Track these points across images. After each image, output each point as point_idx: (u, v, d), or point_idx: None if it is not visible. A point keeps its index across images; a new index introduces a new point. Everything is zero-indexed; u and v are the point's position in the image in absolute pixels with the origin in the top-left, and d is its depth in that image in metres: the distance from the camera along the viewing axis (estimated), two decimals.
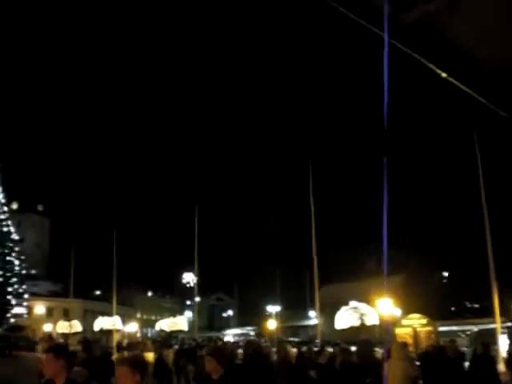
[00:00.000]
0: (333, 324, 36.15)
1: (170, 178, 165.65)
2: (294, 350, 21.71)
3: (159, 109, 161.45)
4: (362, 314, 33.87)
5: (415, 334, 41.53)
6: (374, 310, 33.72)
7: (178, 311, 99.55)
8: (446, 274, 68.89)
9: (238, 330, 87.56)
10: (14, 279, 41.21)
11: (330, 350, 17.64)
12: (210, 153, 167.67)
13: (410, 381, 9.84)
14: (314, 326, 48.99)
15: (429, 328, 41.90)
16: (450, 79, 2.90)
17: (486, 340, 16.91)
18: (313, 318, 60.78)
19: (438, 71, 2.85)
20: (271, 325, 58.07)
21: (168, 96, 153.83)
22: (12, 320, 41.01)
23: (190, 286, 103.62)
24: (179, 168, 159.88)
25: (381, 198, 2.79)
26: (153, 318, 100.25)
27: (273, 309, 64.39)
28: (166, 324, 56.21)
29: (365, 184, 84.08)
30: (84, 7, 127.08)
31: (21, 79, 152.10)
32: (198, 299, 44.64)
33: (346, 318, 34.61)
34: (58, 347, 5.60)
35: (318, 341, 30.51)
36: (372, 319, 33.44)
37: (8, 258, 41.04)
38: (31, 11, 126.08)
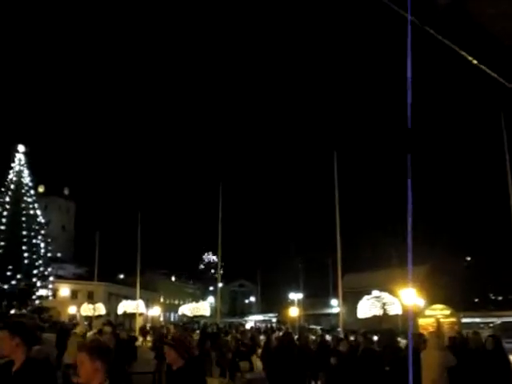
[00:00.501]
0: (355, 313, 36.10)
1: (194, 163, 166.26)
2: (314, 337, 21.76)
3: (185, 90, 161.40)
4: (384, 304, 33.78)
5: (438, 325, 41.29)
6: (397, 299, 33.57)
7: (200, 297, 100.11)
8: (470, 263, 68.32)
9: (259, 317, 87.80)
10: (40, 262, 41.64)
11: (352, 338, 17.61)
12: (236, 137, 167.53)
13: (445, 370, 9.79)
14: (336, 315, 48.95)
15: (452, 319, 41.51)
16: (481, 66, 2.85)
17: (510, 333, 16.76)
18: (335, 306, 60.69)
19: (469, 58, 2.80)
20: (293, 312, 58.12)
21: (193, 76, 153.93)
22: (37, 302, 41.46)
23: (213, 272, 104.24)
24: (203, 153, 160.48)
25: (405, 187, 2.77)
26: (176, 302, 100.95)
27: (295, 296, 64.31)
28: (189, 309, 56.67)
29: (389, 172, 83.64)
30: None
31: (49, 64, 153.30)
32: (220, 285, 44.75)
33: (368, 307, 34.54)
34: (13, 324, 5.20)
35: (339, 329, 30.45)
36: (395, 309, 33.32)
37: (34, 240, 41.45)
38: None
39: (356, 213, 65.79)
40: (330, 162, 31.09)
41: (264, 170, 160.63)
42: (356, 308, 35.72)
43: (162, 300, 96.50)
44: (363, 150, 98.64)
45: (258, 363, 18.40)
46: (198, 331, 36.15)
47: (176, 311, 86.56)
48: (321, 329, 41.99)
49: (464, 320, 41.38)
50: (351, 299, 40.93)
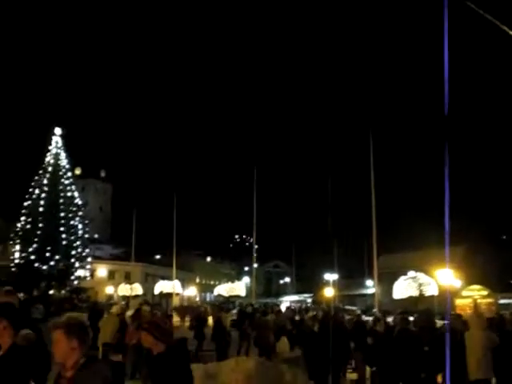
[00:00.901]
0: (390, 294, 35.95)
1: (229, 145, 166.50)
2: (350, 317, 21.70)
3: (220, 76, 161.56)
4: (420, 284, 33.54)
5: (475, 306, 40.92)
6: (433, 280, 33.29)
7: (235, 277, 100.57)
8: (507, 243, 67.34)
9: (294, 297, 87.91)
10: (78, 243, 42.19)
11: (390, 319, 17.52)
12: (270, 120, 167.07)
13: (489, 351, 9.73)
14: (372, 296, 48.78)
15: (489, 300, 41.11)
16: None
17: None
18: (370, 287, 60.52)
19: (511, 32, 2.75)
20: (328, 293, 58.06)
21: (225, 64, 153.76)
22: (75, 282, 42.10)
23: (249, 253, 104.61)
24: (238, 132, 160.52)
25: (441, 166, 2.74)
26: (211, 283, 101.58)
27: (330, 277, 64.19)
28: (225, 289, 56.98)
29: (425, 152, 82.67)
30: None
31: (85, 49, 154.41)
32: (255, 266, 44.92)
33: (404, 287, 34.34)
34: (1, 307, 4.96)
35: (375, 310, 30.36)
36: (431, 290, 33.06)
37: (72, 222, 42.01)
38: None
39: (392, 193, 65.37)
40: (366, 141, 30.86)
41: (299, 150, 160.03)
42: (391, 289, 35.53)
43: (197, 280, 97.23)
44: (400, 130, 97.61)
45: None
46: (233, 311, 36.42)
47: (212, 291, 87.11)
48: (353, 310, 42.01)
49: (502, 301, 40.94)
50: (387, 280, 40.72)
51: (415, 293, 33.12)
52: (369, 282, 64.20)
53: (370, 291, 57.66)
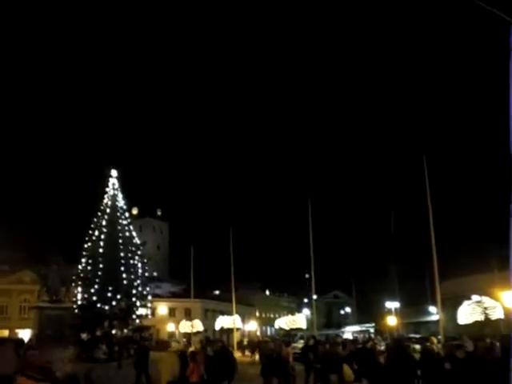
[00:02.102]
0: (455, 319, 35.07)
1: (283, 174, 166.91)
2: (417, 346, 21.24)
3: (271, 108, 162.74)
4: (485, 308, 32.63)
5: None
6: (499, 303, 32.39)
7: (295, 309, 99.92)
8: None
9: (356, 327, 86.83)
10: (138, 281, 42.71)
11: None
12: (325, 148, 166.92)
13: None
14: (436, 322, 47.71)
15: None
16: None
17: None
18: (434, 313, 59.23)
19: None
20: (391, 321, 57.14)
21: (280, 94, 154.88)
22: (137, 321, 42.54)
23: (307, 284, 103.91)
24: (292, 163, 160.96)
25: (503, 189, 2.73)
26: (271, 316, 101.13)
27: (391, 305, 63.23)
28: (285, 322, 56.46)
29: (484, 174, 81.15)
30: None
31: (138, 91, 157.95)
32: (315, 297, 44.57)
33: (468, 312, 33.46)
34: None
35: (440, 337, 29.69)
36: (497, 313, 32.14)
37: (131, 261, 42.59)
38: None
39: (452, 217, 64.25)
40: (421, 166, 30.59)
41: (355, 179, 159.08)
42: (456, 314, 34.71)
43: (257, 314, 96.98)
44: (458, 153, 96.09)
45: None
46: (294, 344, 36.09)
47: (272, 325, 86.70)
48: (417, 338, 41.14)
49: None
50: (450, 305, 39.79)
51: (480, 317, 32.24)
52: (432, 309, 62.85)
53: (434, 318, 56.40)
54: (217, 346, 20.09)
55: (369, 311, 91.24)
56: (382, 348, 26.48)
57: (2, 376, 17.87)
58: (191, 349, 20.56)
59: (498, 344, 15.41)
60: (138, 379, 20.94)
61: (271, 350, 21.13)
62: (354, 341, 32.12)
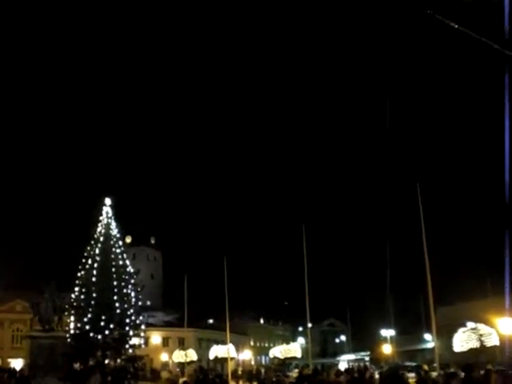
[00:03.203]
0: (450, 347, 34.89)
1: (276, 202, 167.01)
2: (412, 374, 21.15)
3: (265, 134, 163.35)
4: (481, 335, 32.49)
5: None
6: (494, 330, 32.27)
7: (290, 338, 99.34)
8: None
9: (352, 356, 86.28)
10: (131, 311, 42.38)
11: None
12: (319, 175, 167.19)
13: None
14: (431, 350, 47.43)
15: None
16: None
17: None
18: (429, 341, 58.98)
19: None
20: (386, 349, 56.86)
21: (274, 117, 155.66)
22: (130, 350, 42.15)
23: (301, 313, 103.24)
24: (286, 191, 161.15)
25: (496, 215, 2.73)
26: (266, 345, 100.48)
27: (387, 333, 62.96)
28: (280, 351, 56.04)
29: (479, 201, 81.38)
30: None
31: (130, 117, 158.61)
32: (310, 325, 44.34)
33: (464, 340, 33.30)
34: None
35: (435, 364, 29.51)
36: (492, 340, 32.00)
37: (125, 290, 42.29)
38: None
39: (446, 245, 64.27)
40: (415, 194, 30.66)
41: (349, 206, 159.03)
42: (451, 341, 34.51)
43: (252, 343, 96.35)
44: (451, 180, 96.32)
45: None
46: (289, 373, 35.88)
47: (266, 354, 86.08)
48: (413, 366, 40.85)
49: None
50: (446, 333, 39.59)
51: (476, 344, 32.06)
52: (427, 336, 62.62)
53: (430, 345, 56.15)
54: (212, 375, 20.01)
55: (364, 339, 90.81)
56: (377, 376, 26.36)
57: None
58: (184, 379, 20.36)
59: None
60: None
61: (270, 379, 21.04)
62: (351, 370, 31.92)
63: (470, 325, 34.33)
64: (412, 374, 24.29)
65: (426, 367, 21.36)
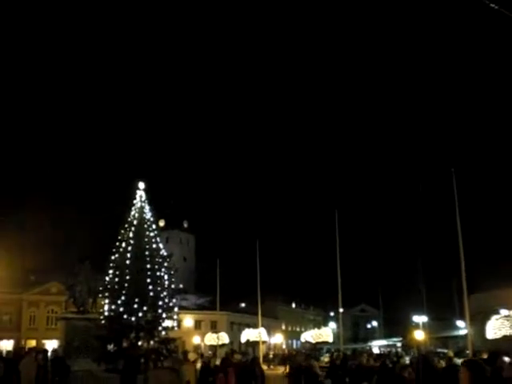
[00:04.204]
0: (483, 334, 34.61)
1: (309, 187, 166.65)
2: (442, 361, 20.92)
3: (299, 121, 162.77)
4: None
5: None
6: None
7: (321, 323, 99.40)
8: None
9: (383, 342, 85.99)
10: (164, 293, 42.69)
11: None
12: (352, 160, 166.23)
13: None
14: (464, 337, 47.04)
15: None
16: None
17: None
18: (462, 328, 58.49)
19: None
20: (418, 336, 56.46)
21: (308, 106, 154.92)
22: (163, 333, 42.52)
23: (333, 297, 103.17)
24: (319, 176, 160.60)
25: None
26: (297, 329, 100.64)
27: (419, 319, 62.41)
28: (311, 335, 56.13)
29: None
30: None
31: (165, 103, 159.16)
32: (341, 310, 44.28)
33: (497, 327, 33.02)
34: None
35: (468, 351, 29.32)
36: None
37: (158, 273, 42.58)
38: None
39: (480, 229, 63.55)
40: (449, 179, 30.38)
41: (381, 190, 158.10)
42: (484, 329, 34.22)
43: (283, 327, 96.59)
44: (486, 166, 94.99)
45: None
46: (321, 358, 35.91)
47: (298, 338, 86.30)
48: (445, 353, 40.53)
49: None
50: (479, 320, 39.26)
51: (509, 332, 31.74)
52: (460, 323, 62.06)
53: (462, 332, 55.69)
54: (246, 358, 20.08)
55: (396, 325, 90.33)
56: (407, 362, 26.24)
57: None
58: (217, 361, 20.48)
59: None
60: None
61: (300, 363, 20.98)
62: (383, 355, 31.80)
63: (504, 312, 34.03)
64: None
65: (451, 353, 21.09)
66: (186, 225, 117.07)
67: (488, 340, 33.98)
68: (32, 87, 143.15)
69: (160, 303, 42.10)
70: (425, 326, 60.62)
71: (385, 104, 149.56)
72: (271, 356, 57.76)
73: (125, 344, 39.50)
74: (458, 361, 20.75)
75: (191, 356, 17.49)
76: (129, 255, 41.67)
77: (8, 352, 31.78)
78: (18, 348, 32.40)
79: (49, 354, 28.09)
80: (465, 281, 29.72)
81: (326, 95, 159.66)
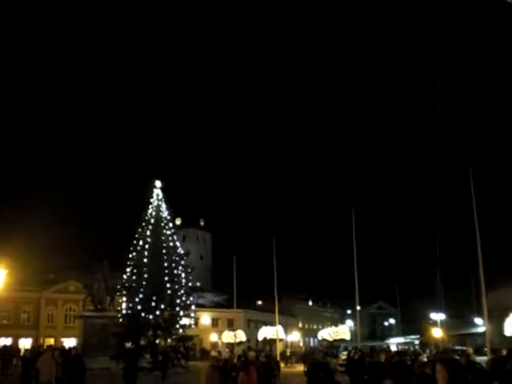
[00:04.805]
0: (502, 331, 34.46)
1: (326, 184, 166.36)
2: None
3: (314, 117, 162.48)
4: None
5: None
6: None
7: (338, 320, 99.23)
8: None
9: (401, 339, 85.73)
10: (181, 291, 42.85)
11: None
12: (369, 156, 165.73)
13: None
14: (482, 334, 46.79)
15: None
16: None
17: None
18: (480, 325, 58.15)
19: None
20: (436, 333, 56.27)
21: (325, 104, 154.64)
22: (180, 331, 42.71)
23: (350, 295, 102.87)
24: (336, 172, 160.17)
25: None
26: (314, 327, 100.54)
27: (437, 316, 62.19)
28: (328, 333, 56.12)
29: None
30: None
31: (181, 102, 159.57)
32: (358, 308, 44.24)
33: None
34: None
35: (486, 349, 29.14)
36: None
37: (175, 271, 42.73)
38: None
39: (499, 226, 63.15)
40: (467, 177, 30.22)
41: (399, 187, 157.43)
42: (502, 326, 34.08)
43: (300, 325, 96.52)
44: (503, 162, 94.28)
45: None
46: (338, 355, 35.84)
47: (315, 336, 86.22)
48: (463, 350, 40.28)
49: None
50: (497, 317, 39.07)
51: None
52: (478, 320, 61.70)
53: (480, 330, 55.37)
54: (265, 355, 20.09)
55: (413, 323, 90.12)
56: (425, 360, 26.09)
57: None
58: (235, 359, 20.48)
59: None
60: None
61: (318, 360, 20.92)
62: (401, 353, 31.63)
63: None
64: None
65: (470, 350, 20.93)
66: (202, 223, 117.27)
67: (506, 337, 33.82)
68: (56, 88, 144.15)
69: (177, 301, 42.26)
70: (442, 324, 60.40)
71: (397, 101, 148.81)
72: (288, 354, 57.72)
73: (142, 342, 39.73)
74: (478, 358, 20.65)
75: (213, 354, 17.51)
76: (146, 253, 41.86)
77: (26, 350, 32.03)
78: (36, 346, 32.57)
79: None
80: (483, 278, 29.54)
81: (343, 92, 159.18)
